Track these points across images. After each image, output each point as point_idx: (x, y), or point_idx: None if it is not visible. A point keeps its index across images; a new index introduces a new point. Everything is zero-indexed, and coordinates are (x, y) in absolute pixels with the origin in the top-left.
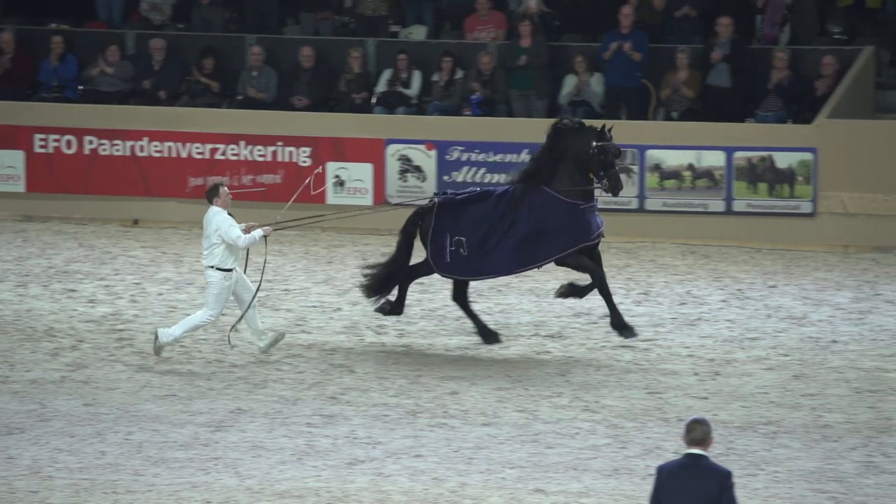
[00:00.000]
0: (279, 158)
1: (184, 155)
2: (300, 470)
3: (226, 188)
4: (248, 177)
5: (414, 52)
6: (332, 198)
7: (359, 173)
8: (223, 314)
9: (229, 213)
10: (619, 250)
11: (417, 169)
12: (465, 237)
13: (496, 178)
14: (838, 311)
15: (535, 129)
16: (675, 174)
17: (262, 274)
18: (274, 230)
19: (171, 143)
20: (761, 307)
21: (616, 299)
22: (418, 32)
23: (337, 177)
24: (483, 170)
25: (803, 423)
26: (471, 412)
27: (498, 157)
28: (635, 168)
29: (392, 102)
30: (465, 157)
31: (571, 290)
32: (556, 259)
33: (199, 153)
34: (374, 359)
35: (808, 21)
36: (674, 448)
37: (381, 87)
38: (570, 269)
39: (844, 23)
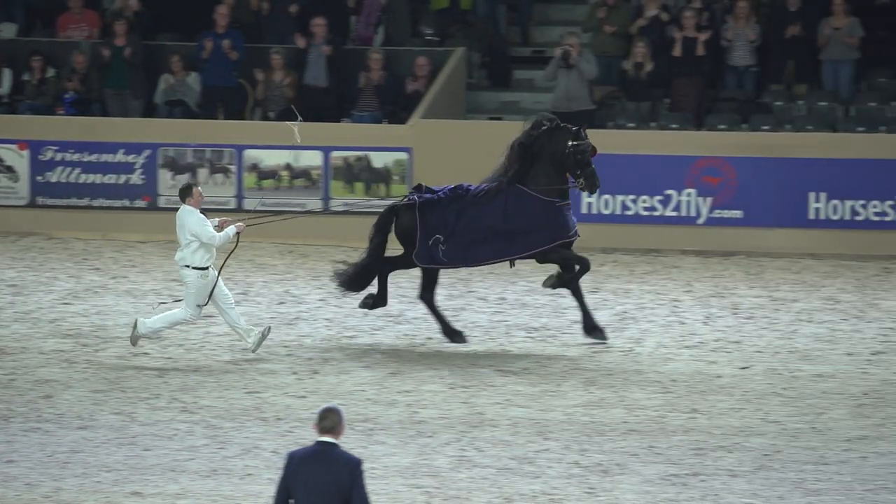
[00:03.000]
0: None
1: None
2: None
3: (199, 188)
4: None
5: (3, 50)
6: None
7: None
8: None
9: (201, 212)
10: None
11: (9, 169)
12: (441, 235)
13: (91, 178)
14: None
15: (131, 129)
16: (272, 174)
17: (220, 270)
18: (247, 226)
19: None
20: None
21: None
22: (8, 30)
23: None
24: (78, 170)
25: (399, 419)
26: (66, 416)
27: (94, 157)
28: (233, 168)
29: None
30: (59, 156)
31: (560, 281)
32: (534, 254)
33: None
34: None
35: (401, 22)
36: (272, 447)
37: None
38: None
39: (437, 25)
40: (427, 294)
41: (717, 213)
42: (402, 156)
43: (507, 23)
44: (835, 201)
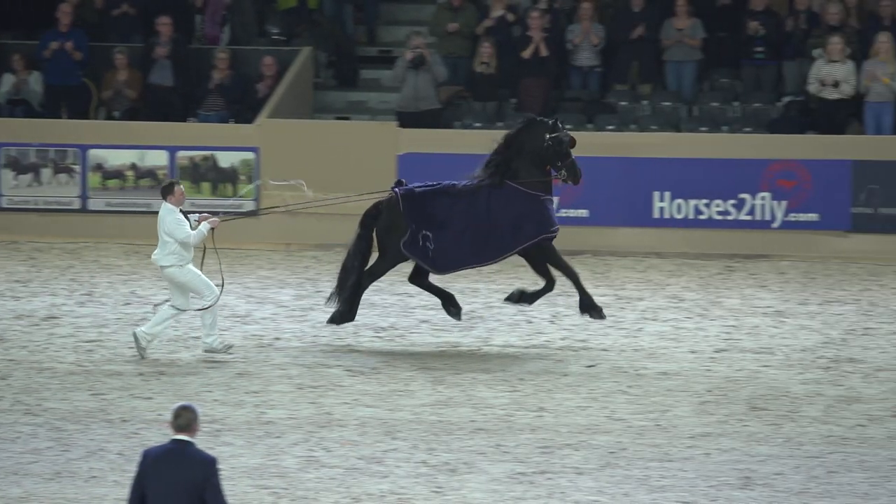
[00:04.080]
0: None
1: None
2: None
3: (181, 186)
4: None
5: None
6: None
7: None
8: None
9: (182, 211)
10: (62, 251)
11: None
12: (430, 233)
13: None
14: (281, 309)
15: None
16: (117, 174)
17: (222, 276)
18: (221, 221)
19: None
20: None
21: (58, 300)
22: None
23: None
24: None
25: (247, 420)
26: None
27: None
28: (77, 168)
29: None
30: None
31: (522, 297)
32: (520, 250)
33: None
34: None
35: (247, 21)
36: (118, 449)
37: None
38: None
39: (283, 24)
40: (418, 279)
41: (564, 213)
42: (249, 155)
43: (354, 22)
44: (679, 200)
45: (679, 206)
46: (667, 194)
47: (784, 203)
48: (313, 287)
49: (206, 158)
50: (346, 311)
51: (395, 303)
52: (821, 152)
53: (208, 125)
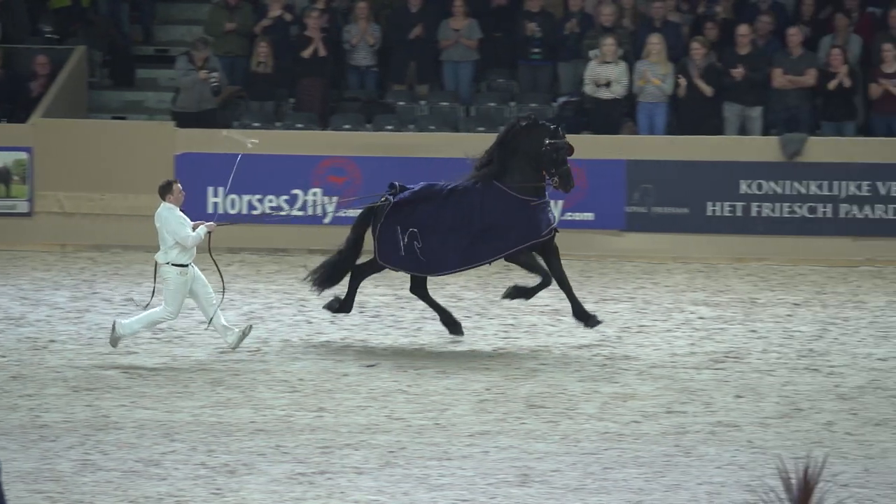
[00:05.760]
0: None
1: None
2: None
3: (179, 185)
4: None
5: None
6: None
7: None
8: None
9: (181, 210)
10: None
11: None
12: (417, 229)
13: None
14: (56, 311)
15: None
16: None
17: (221, 273)
18: (218, 225)
19: None
20: None
21: None
22: None
23: None
24: None
25: (21, 423)
26: None
27: None
28: None
29: None
30: None
31: (518, 292)
32: (505, 256)
33: None
34: None
35: (19, 20)
36: None
37: None
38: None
39: (56, 23)
40: (418, 289)
41: (343, 213)
42: (23, 156)
43: (129, 21)
44: None
45: None
46: None
47: (560, 202)
48: (89, 289)
49: None
50: (345, 303)
51: None
52: (595, 152)
53: None
